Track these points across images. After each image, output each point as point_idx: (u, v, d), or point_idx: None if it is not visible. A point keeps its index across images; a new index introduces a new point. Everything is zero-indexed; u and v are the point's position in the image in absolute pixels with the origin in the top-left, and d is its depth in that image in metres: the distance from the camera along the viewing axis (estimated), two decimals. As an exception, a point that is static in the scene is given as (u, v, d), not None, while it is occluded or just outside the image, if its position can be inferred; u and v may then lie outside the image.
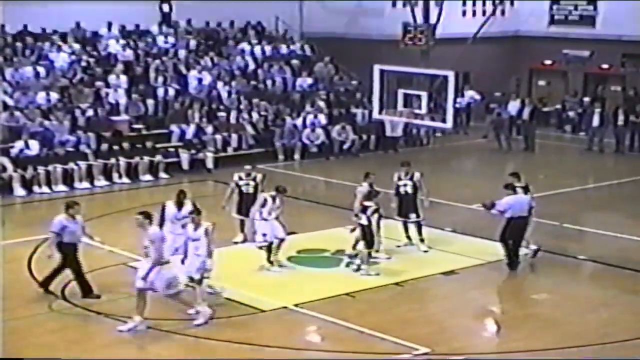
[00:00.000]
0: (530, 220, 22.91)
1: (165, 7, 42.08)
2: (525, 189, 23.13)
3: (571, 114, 43.54)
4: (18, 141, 31.39)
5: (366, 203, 22.15)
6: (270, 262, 22.39)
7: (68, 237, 20.10)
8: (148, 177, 32.86)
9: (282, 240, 22.57)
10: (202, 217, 19.60)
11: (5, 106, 33.05)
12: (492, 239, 23.24)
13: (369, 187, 22.89)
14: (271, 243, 22.40)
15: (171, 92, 37.28)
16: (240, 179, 24.38)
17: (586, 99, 43.24)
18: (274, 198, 22.49)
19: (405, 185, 23.94)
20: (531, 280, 22.55)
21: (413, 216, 23.82)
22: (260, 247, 22.44)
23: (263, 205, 22.47)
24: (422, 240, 23.98)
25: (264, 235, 22.35)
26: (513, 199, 22.78)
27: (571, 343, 18.17)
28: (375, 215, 21.92)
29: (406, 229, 24.27)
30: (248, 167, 24.68)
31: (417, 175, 24.15)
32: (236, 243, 24.11)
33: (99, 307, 19.55)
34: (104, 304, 19.70)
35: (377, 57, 30.30)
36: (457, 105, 34.45)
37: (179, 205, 21.60)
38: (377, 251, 22.31)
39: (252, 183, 24.30)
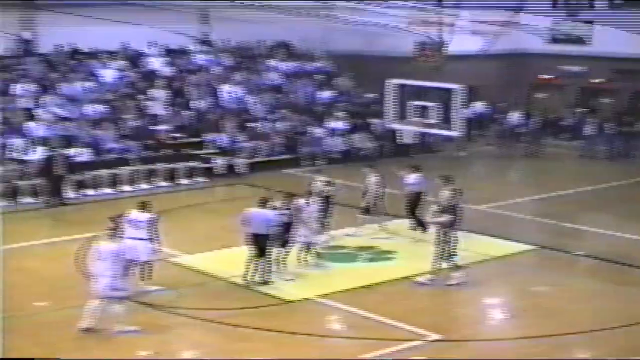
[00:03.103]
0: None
1: (203, 28, 42.31)
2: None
3: (567, 123, 43.44)
4: (70, 148, 31.52)
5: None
6: (306, 260, 22.32)
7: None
8: (186, 181, 32.93)
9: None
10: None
11: (59, 117, 33.26)
12: (498, 236, 23.16)
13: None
14: (309, 243, 22.28)
15: (207, 104, 37.35)
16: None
17: (581, 110, 43.16)
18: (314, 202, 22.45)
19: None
20: (533, 274, 22.46)
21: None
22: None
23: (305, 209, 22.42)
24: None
25: (305, 236, 22.12)
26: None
27: (568, 330, 18.18)
28: None
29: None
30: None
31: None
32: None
33: (144, 299, 19.59)
34: (149, 296, 19.79)
35: (392, 73, 30.28)
36: (466, 116, 34.41)
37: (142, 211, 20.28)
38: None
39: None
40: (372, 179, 25.15)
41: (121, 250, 17.80)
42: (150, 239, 19.86)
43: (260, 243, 20.63)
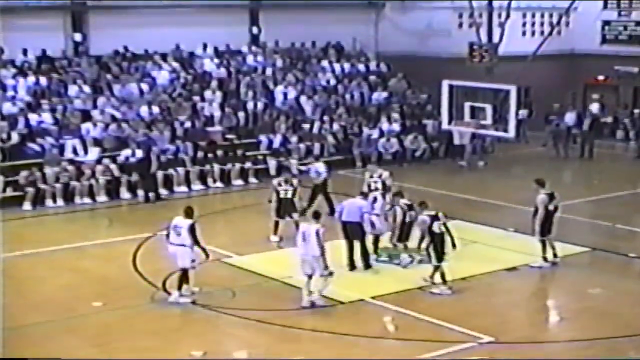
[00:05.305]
0: None
1: (255, 30, 42.48)
2: None
3: (622, 124, 42.99)
4: (125, 149, 31.71)
5: None
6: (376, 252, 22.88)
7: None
8: (239, 181, 33.01)
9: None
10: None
11: (114, 119, 33.50)
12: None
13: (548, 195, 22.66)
14: (378, 235, 22.83)
15: (260, 105, 37.39)
16: (280, 185, 24.73)
17: (636, 111, 42.72)
18: (383, 196, 23.52)
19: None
20: (586, 276, 22.26)
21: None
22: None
23: (374, 202, 23.20)
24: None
25: (374, 227, 22.58)
26: None
27: (622, 333, 17.98)
28: None
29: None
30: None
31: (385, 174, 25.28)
32: (275, 242, 24.53)
33: (195, 299, 19.69)
34: (200, 296, 19.84)
35: (445, 74, 30.15)
36: (520, 117, 34.22)
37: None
38: None
39: (290, 189, 24.59)
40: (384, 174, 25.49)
41: (321, 230, 19.07)
42: (190, 246, 19.55)
43: (349, 232, 21.61)
